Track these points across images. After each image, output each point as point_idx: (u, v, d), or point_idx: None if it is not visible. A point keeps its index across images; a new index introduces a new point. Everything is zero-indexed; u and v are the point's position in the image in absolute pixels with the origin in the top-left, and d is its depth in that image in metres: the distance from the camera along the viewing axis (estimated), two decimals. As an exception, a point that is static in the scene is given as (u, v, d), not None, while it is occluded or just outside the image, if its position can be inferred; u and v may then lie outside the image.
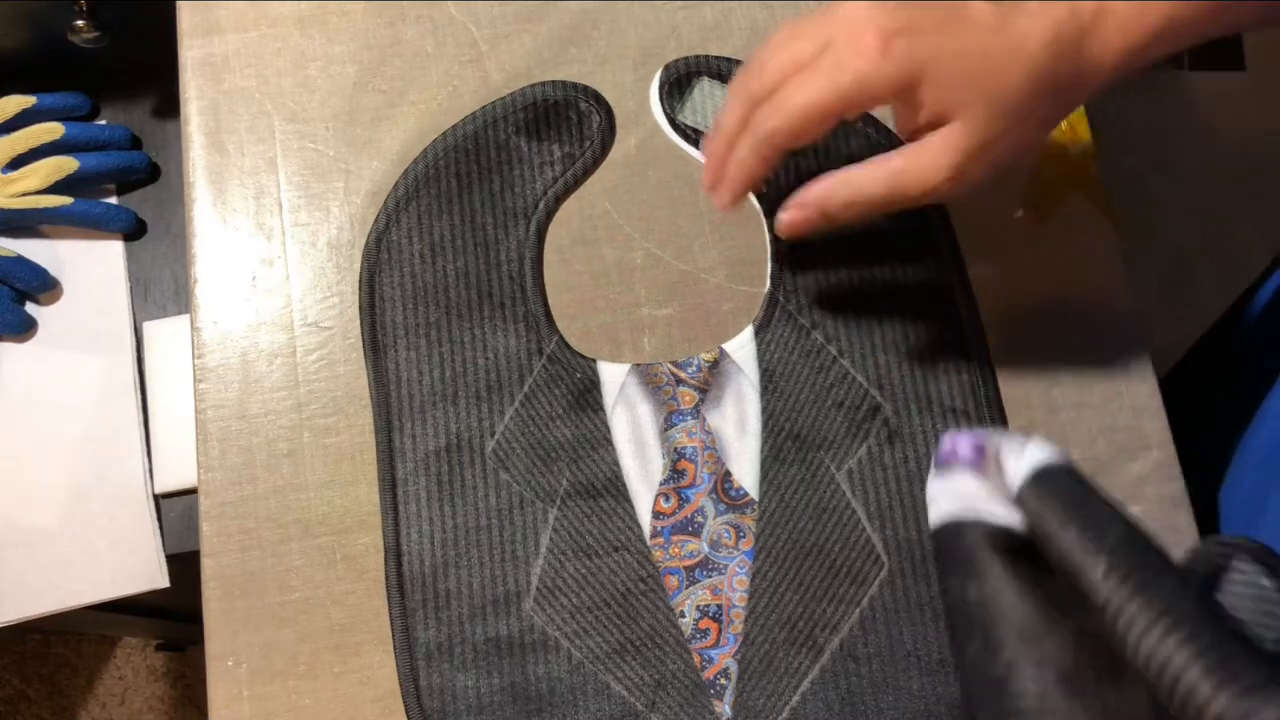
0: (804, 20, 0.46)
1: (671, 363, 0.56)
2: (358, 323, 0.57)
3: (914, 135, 0.45)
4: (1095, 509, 0.33)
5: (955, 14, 0.43)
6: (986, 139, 0.43)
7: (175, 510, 0.66)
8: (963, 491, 0.36)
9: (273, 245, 0.58)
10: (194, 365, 0.56)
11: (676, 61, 0.61)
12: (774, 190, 0.58)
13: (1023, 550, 0.35)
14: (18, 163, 0.68)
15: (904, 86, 0.43)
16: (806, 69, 0.44)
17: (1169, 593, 0.30)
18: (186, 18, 0.62)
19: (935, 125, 0.44)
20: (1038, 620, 0.33)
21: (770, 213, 0.58)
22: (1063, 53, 0.43)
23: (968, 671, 0.35)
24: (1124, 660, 0.31)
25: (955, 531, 0.36)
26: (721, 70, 0.60)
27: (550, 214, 0.58)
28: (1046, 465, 0.35)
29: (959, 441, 0.37)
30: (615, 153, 0.60)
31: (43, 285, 0.68)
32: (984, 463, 0.36)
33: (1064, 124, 0.61)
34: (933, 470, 0.38)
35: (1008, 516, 0.35)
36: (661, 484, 0.54)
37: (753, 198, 0.59)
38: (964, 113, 0.43)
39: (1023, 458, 0.35)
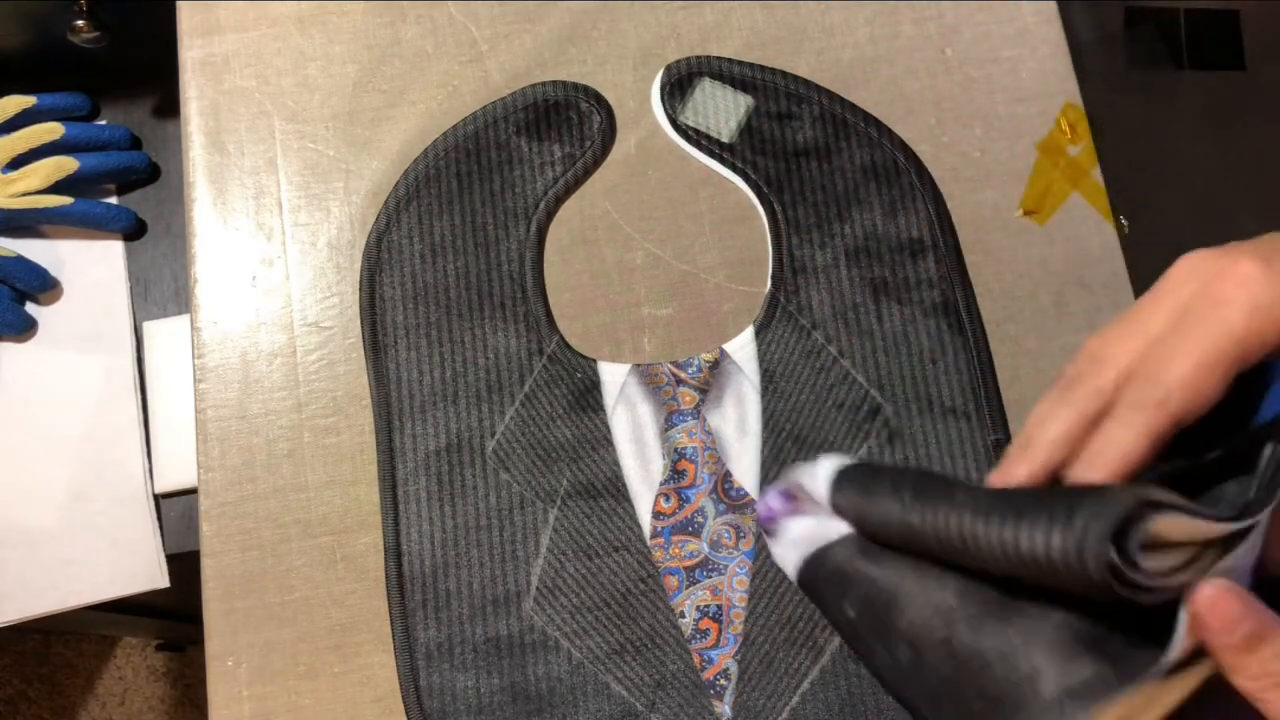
0: (1125, 317, 0.37)
1: (672, 363, 0.56)
2: (358, 323, 0.57)
3: None
4: (889, 475, 0.35)
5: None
6: None
7: (175, 510, 0.66)
8: (799, 536, 0.37)
9: (273, 245, 0.58)
10: (194, 365, 0.56)
11: (678, 62, 0.61)
12: (777, 193, 0.58)
13: (873, 546, 0.36)
14: (18, 163, 0.68)
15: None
16: (1175, 332, 0.35)
17: (958, 491, 0.32)
18: (186, 18, 0.62)
19: None
20: (919, 593, 0.34)
21: (772, 212, 0.58)
22: None
23: (889, 684, 0.35)
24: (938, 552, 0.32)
25: (814, 564, 0.37)
26: (723, 70, 0.60)
27: (550, 214, 0.58)
28: (839, 469, 0.36)
29: (767, 498, 0.38)
30: (615, 153, 0.60)
31: (43, 285, 0.68)
32: (798, 502, 0.38)
33: (1064, 124, 0.61)
34: (768, 541, 0.39)
35: (845, 528, 0.36)
36: (662, 484, 0.54)
37: (754, 197, 0.59)
38: None
39: (817, 475, 0.36)
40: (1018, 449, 0.36)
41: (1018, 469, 0.36)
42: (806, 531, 0.37)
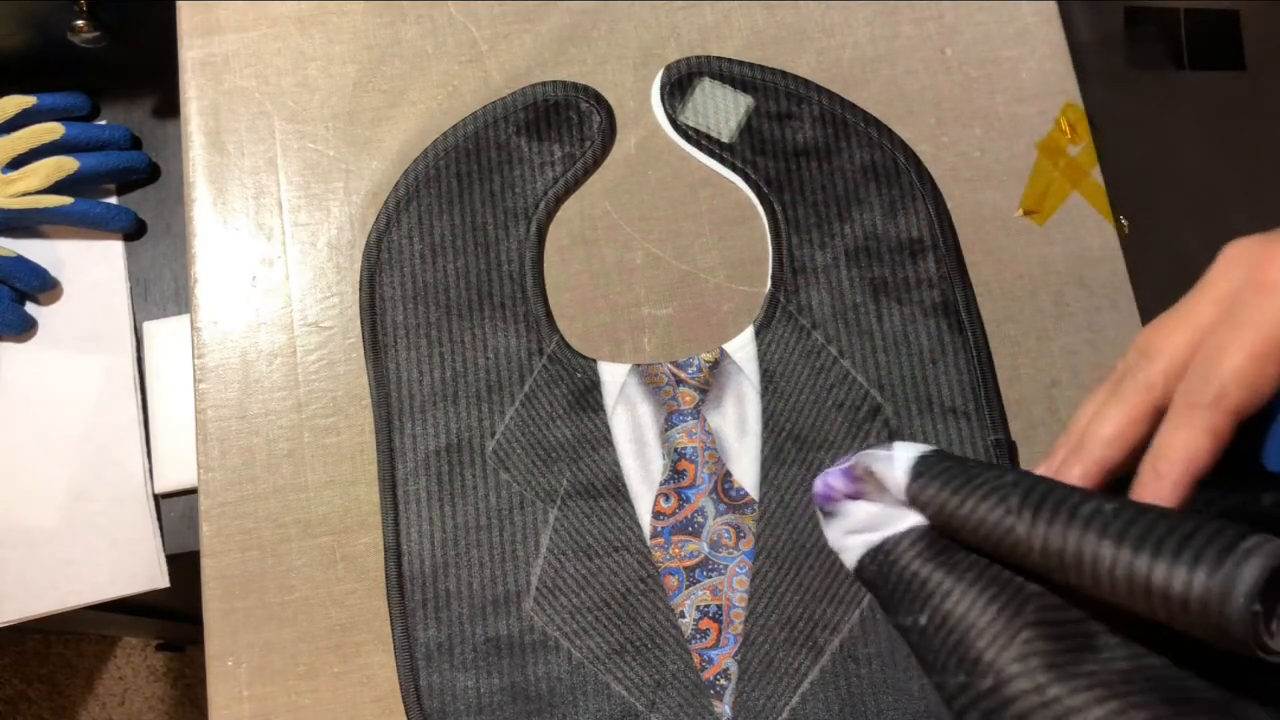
0: (1174, 309, 0.36)
1: (672, 363, 0.56)
2: (358, 323, 0.57)
3: None
4: (982, 472, 0.33)
5: None
6: None
7: (175, 510, 0.66)
8: (861, 522, 0.35)
9: (273, 245, 0.58)
10: (194, 365, 0.56)
11: (678, 62, 0.61)
12: (777, 193, 0.58)
13: (948, 545, 0.34)
14: (18, 163, 0.68)
15: None
16: (1225, 323, 0.34)
17: (1078, 498, 0.30)
18: (186, 18, 0.62)
19: None
20: (1001, 616, 0.32)
21: (772, 212, 0.58)
22: None
23: (955, 704, 0.33)
24: (1061, 576, 0.30)
25: (879, 558, 0.35)
26: (724, 71, 0.60)
27: (551, 214, 0.58)
28: (920, 456, 0.34)
29: (829, 477, 0.36)
30: (615, 153, 0.60)
31: (43, 285, 0.68)
32: (862, 485, 0.36)
33: (1064, 124, 0.61)
34: (823, 522, 0.37)
35: (914, 519, 0.34)
36: (662, 484, 0.54)
37: (753, 197, 0.59)
38: None
39: (894, 462, 0.34)
40: (1070, 448, 0.35)
41: (1072, 469, 0.35)
42: (869, 518, 0.35)
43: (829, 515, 0.37)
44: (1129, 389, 0.35)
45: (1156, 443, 0.33)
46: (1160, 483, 0.33)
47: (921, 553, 0.34)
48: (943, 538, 0.34)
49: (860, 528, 0.35)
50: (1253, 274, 0.34)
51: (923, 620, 0.33)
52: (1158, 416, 0.34)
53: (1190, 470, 0.32)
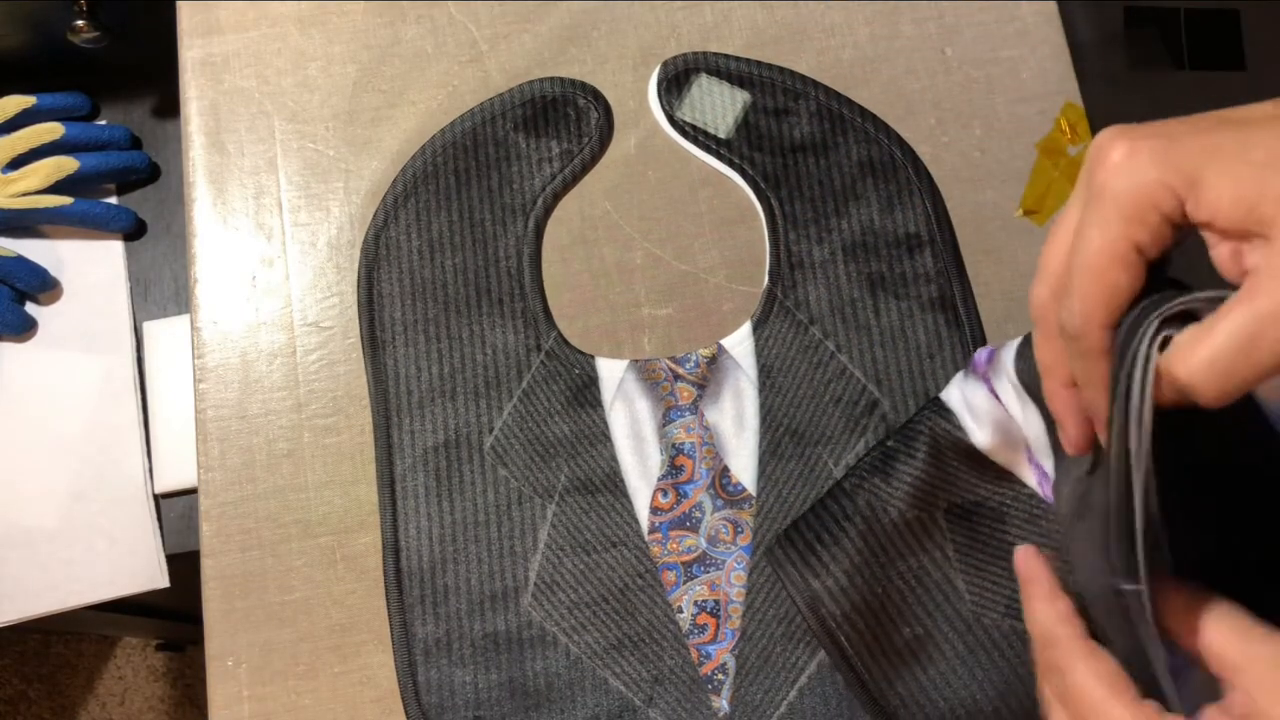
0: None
1: (670, 358, 0.56)
2: (357, 322, 0.57)
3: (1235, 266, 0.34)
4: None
5: (1226, 118, 0.36)
6: None
7: (175, 510, 0.66)
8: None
9: (273, 245, 0.58)
10: (194, 365, 0.56)
11: (675, 58, 0.61)
12: (774, 188, 0.58)
13: None
14: (18, 163, 0.68)
15: (1178, 188, 0.34)
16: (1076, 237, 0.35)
17: None
18: (186, 18, 0.62)
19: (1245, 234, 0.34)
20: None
21: (769, 208, 0.58)
22: None
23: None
24: None
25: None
26: (720, 66, 0.60)
27: (548, 210, 0.58)
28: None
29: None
30: (615, 153, 0.60)
31: (43, 285, 0.68)
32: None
33: (1064, 124, 0.61)
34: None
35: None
36: (659, 479, 0.54)
37: (753, 195, 0.59)
38: None
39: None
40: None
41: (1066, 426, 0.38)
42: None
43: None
44: (1034, 319, 0.37)
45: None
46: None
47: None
48: None
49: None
50: (1090, 176, 0.34)
51: None
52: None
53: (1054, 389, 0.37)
